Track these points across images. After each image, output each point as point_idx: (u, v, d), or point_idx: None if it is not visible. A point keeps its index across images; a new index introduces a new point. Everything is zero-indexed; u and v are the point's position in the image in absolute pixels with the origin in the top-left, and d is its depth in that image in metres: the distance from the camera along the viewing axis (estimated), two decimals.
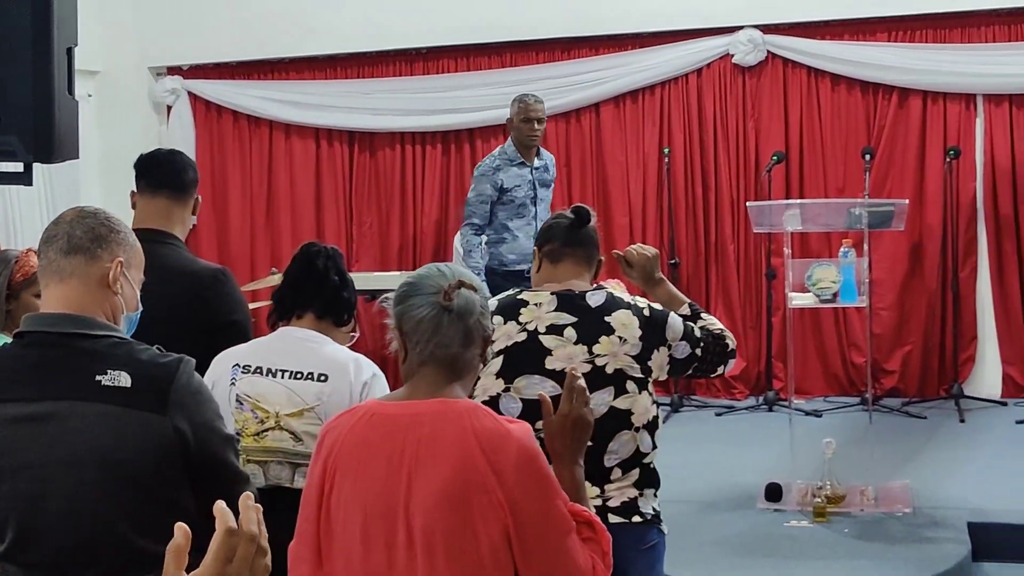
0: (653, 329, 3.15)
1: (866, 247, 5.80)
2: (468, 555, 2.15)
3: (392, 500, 2.18)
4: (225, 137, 8.88)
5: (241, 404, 3.26)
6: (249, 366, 3.29)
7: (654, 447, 3.15)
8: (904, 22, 7.78)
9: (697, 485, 5.89)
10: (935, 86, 7.71)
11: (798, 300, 5.83)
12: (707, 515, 5.62)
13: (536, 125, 6.56)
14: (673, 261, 8.00)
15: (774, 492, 5.68)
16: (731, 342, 3.30)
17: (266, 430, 3.24)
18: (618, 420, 3.07)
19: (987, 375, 7.83)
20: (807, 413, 7.33)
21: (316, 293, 3.35)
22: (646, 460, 3.13)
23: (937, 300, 7.80)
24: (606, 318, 3.13)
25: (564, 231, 3.28)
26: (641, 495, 3.12)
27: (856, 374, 7.88)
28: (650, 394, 3.14)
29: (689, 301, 3.40)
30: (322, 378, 3.22)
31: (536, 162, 6.65)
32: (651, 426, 3.13)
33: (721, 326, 3.34)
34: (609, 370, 3.08)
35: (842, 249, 5.76)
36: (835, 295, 5.72)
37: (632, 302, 3.19)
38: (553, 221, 3.34)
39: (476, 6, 8.19)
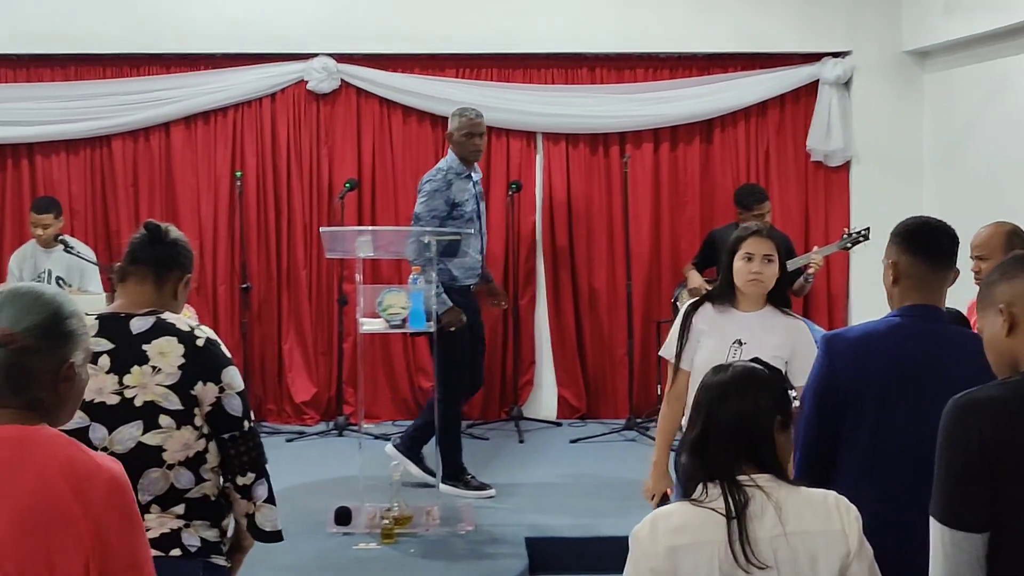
0: (203, 362, 2.96)
1: (434, 275, 5.97)
2: None
3: None
4: None
5: None
6: None
7: (201, 481, 2.98)
8: (471, 60, 8.12)
9: None
10: (500, 123, 8.07)
11: (368, 325, 5.92)
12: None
13: (479, 140, 6.35)
14: (245, 286, 7.91)
15: (343, 516, 5.73)
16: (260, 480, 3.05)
17: None
18: (146, 456, 2.90)
19: (544, 398, 8.30)
20: (376, 437, 7.43)
21: None
22: (191, 495, 2.97)
23: (499, 326, 8.16)
24: (144, 346, 2.94)
25: (134, 248, 3.10)
26: (187, 526, 2.96)
27: (423, 397, 8.07)
28: (195, 428, 2.94)
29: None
30: None
31: (474, 175, 6.40)
32: (195, 462, 2.96)
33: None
34: (138, 403, 2.91)
35: (411, 276, 5.90)
36: (404, 320, 5.85)
37: (187, 329, 3.00)
38: (131, 239, 3.14)
39: (34, 15, 7.73)
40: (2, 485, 2.05)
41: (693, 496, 2.51)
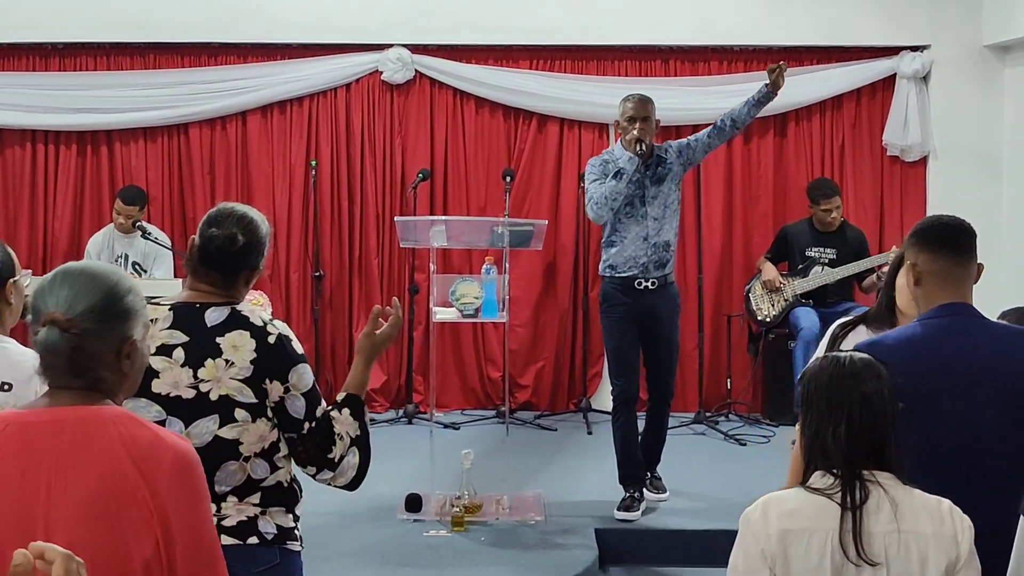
0: (274, 359, 2.94)
1: (506, 265, 5.99)
2: (118, 573, 2.00)
3: (28, 515, 1.99)
4: None
5: None
6: None
7: (276, 469, 2.98)
8: (545, 51, 8.13)
9: (336, 497, 5.72)
10: (571, 114, 8.09)
11: (442, 314, 5.96)
12: (347, 526, 5.63)
13: (640, 124, 5.96)
14: (318, 274, 7.99)
15: (414, 503, 5.77)
16: (338, 450, 3.00)
17: None
18: (223, 450, 2.90)
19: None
20: (446, 426, 7.49)
21: None
22: (266, 483, 2.98)
23: (568, 318, 8.17)
24: (218, 339, 2.92)
25: (204, 252, 3.05)
26: (264, 513, 2.98)
27: (492, 388, 8.13)
28: (269, 420, 2.94)
29: (354, 393, 3.12)
30: (6, 387, 2.98)
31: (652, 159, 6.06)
32: (270, 452, 2.96)
33: (350, 434, 3.03)
34: (213, 396, 2.90)
35: (484, 266, 5.93)
36: (477, 310, 5.89)
37: (260, 324, 2.97)
38: (202, 234, 3.07)
39: (115, 4, 7.86)
40: (70, 468, 2.02)
41: (808, 483, 2.51)
